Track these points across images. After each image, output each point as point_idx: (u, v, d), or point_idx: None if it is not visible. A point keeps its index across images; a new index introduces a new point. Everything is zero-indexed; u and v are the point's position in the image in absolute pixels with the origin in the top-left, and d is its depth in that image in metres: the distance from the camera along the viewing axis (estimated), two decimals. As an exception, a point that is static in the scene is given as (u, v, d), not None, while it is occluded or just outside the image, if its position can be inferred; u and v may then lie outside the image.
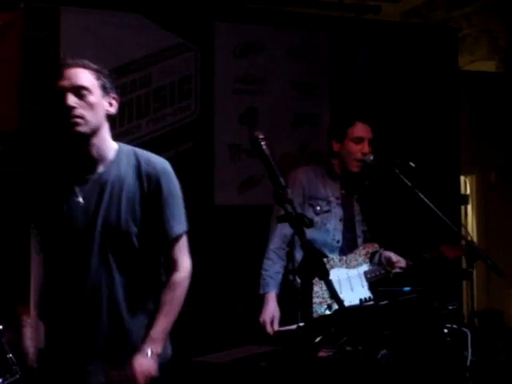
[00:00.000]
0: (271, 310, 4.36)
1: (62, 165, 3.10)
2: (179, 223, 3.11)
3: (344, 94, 6.31)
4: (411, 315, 3.50)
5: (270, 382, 2.96)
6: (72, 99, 2.93)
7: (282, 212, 2.72)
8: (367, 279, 4.54)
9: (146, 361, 2.96)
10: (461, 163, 6.83)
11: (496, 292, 7.09)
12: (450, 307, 3.73)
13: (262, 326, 4.33)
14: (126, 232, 3.00)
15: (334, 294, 2.65)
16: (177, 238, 3.11)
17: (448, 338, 3.62)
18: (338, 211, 4.54)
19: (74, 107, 2.92)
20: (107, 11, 5.59)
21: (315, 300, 4.21)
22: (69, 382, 2.99)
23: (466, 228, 7.20)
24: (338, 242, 4.51)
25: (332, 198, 4.53)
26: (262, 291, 4.40)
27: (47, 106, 3.07)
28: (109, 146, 3.06)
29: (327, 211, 4.51)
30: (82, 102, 2.94)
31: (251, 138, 2.83)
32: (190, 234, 3.17)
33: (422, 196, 4.13)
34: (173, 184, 3.10)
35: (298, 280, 4.16)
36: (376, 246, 4.61)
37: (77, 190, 3.02)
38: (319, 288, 4.21)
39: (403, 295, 3.62)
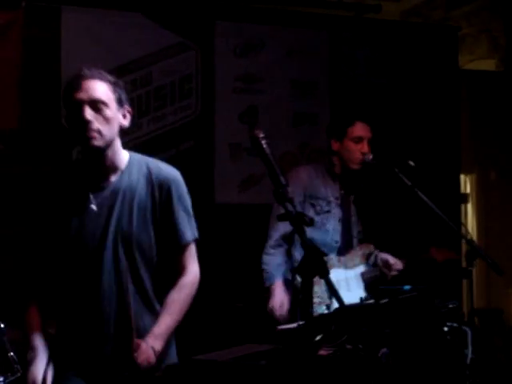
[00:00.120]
0: (279, 296, 4.36)
1: (76, 173, 3.12)
2: (190, 230, 3.14)
3: (344, 93, 6.32)
4: (411, 313, 3.51)
5: (270, 381, 2.96)
6: (89, 113, 2.93)
7: (282, 210, 2.72)
8: (364, 280, 4.56)
9: (146, 349, 2.97)
10: (461, 162, 6.84)
11: (496, 290, 7.10)
12: (450, 306, 3.74)
13: (270, 315, 4.33)
14: (138, 240, 3.03)
15: (334, 293, 2.66)
16: (187, 245, 3.15)
17: (448, 337, 3.62)
18: (337, 212, 4.55)
19: (91, 121, 2.93)
20: (108, 11, 5.60)
21: (315, 300, 4.22)
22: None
23: (465, 227, 7.20)
24: (336, 242, 4.53)
25: (332, 199, 4.54)
26: (267, 284, 4.41)
27: (65, 117, 3.07)
28: (121, 155, 3.08)
29: (327, 211, 4.52)
30: (98, 116, 2.94)
31: (251, 137, 2.83)
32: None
33: (421, 195, 4.14)
34: (183, 192, 3.13)
35: (298, 279, 4.17)
36: (371, 246, 4.62)
37: (91, 197, 3.04)
38: (319, 288, 4.22)
39: (403, 293, 3.63)
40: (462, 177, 7.23)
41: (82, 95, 2.94)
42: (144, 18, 5.69)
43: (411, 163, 4.27)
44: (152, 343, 2.99)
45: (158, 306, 3.10)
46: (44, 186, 3.18)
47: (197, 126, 5.89)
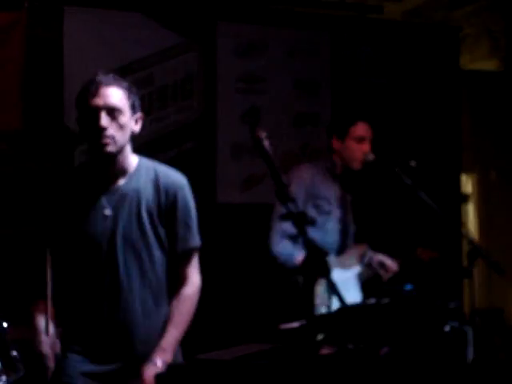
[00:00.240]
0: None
1: (83, 174, 3.14)
2: (193, 237, 3.16)
3: (346, 94, 6.33)
4: (413, 313, 3.52)
5: (271, 380, 2.97)
6: (105, 119, 2.96)
7: (284, 210, 2.74)
8: (360, 280, 4.57)
9: (156, 370, 3.00)
10: (462, 162, 6.85)
11: (497, 290, 7.10)
12: (452, 305, 3.75)
13: None
14: (146, 243, 3.05)
15: (336, 292, 2.67)
16: (190, 252, 3.17)
17: (449, 336, 3.63)
18: (337, 212, 4.56)
19: (106, 128, 2.95)
20: (111, 11, 5.61)
21: (316, 301, 4.23)
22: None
23: (466, 227, 7.22)
24: (335, 242, 4.53)
25: (332, 198, 4.55)
26: (290, 264, 4.36)
27: (77, 119, 3.09)
28: (130, 160, 3.11)
29: (328, 212, 4.52)
30: (113, 123, 2.97)
31: (253, 137, 2.85)
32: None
33: (422, 195, 4.15)
34: (189, 199, 3.15)
35: (300, 280, 4.19)
36: (365, 247, 4.63)
37: (101, 199, 3.06)
38: (320, 289, 4.23)
39: (405, 293, 3.64)
40: (463, 177, 7.23)
41: (99, 101, 2.97)
42: (146, 18, 5.70)
43: (412, 163, 4.28)
44: (161, 357, 3.04)
45: (163, 309, 3.13)
46: (53, 187, 3.20)
47: (199, 126, 5.91)
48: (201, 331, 5.18)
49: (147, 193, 3.08)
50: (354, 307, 3.47)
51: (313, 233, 4.27)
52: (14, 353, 3.21)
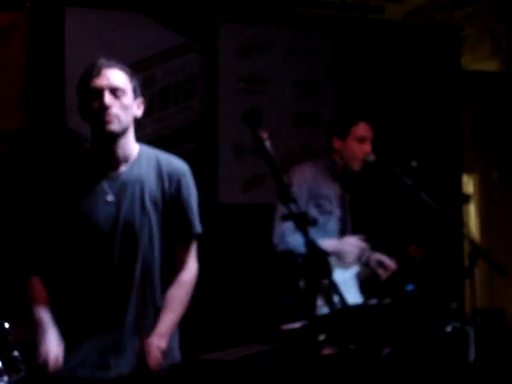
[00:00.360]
0: None
1: (86, 161, 3.12)
2: (195, 223, 3.17)
3: (347, 94, 6.33)
4: (414, 313, 3.52)
5: (273, 380, 2.98)
6: (108, 98, 2.97)
7: (285, 210, 2.74)
8: (359, 280, 4.58)
9: (155, 351, 2.98)
10: (463, 162, 6.85)
11: (498, 291, 7.10)
12: (453, 306, 3.75)
13: None
14: (148, 231, 3.05)
15: (337, 293, 2.67)
16: (191, 238, 3.16)
17: (451, 337, 3.64)
18: (337, 212, 4.56)
19: (110, 106, 2.96)
20: (112, 11, 5.61)
21: (318, 302, 4.23)
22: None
23: (467, 227, 7.22)
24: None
25: (333, 199, 4.55)
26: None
27: (78, 107, 3.08)
28: (132, 146, 3.11)
29: (330, 212, 4.53)
30: (117, 102, 2.98)
31: (255, 138, 2.85)
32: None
33: (423, 195, 4.15)
34: (191, 185, 3.17)
35: (301, 281, 4.19)
36: (363, 239, 4.63)
37: (103, 185, 3.05)
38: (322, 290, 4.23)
39: (406, 294, 3.64)
40: (465, 177, 7.24)
41: (102, 82, 2.98)
42: (148, 18, 5.70)
43: (413, 163, 4.29)
44: (157, 342, 2.99)
45: (159, 297, 3.11)
46: (53, 172, 3.18)
47: (200, 127, 5.91)
48: (203, 331, 5.20)
49: (150, 180, 3.08)
50: (356, 308, 3.48)
51: (313, 233, 4.32)
52: (16, 353, 3.21)
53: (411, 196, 4.19)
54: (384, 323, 3.37)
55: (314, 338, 3.08)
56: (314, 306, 4.13)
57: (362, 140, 4.52)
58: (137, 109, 3.10)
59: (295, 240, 4.32)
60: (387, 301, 3.48)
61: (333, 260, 4.45)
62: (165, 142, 5.69)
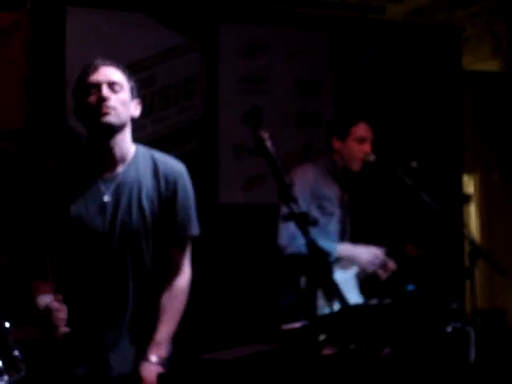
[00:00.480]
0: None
1: (82, 162, 3.12)
2: (193, 225, 3.16)
3: (348, 94, 6.33)
4: (415, 314, 3.52)
5: (274, 380, 2.98)
6: (106, 90, 2.97)
7: (286, 211, 2.74)
8: (358, 280, 4.58)
9: (153, 367, 2.99)
10: (464, 162, 6.85)
11: (499, 291, 7.11)
12: (453, 306, 3.75)
13: None
14: (145, 233, 3.04)
15: (338, 293, 2.67)
16: (187, 240, 3.15)
17: (451, 337, 3.64)
18: (338, 213, 4.57)
19: (108, 98, 2.96)
20: (113, 11, 5.61)
21: (318, 303, 4.23)
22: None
23: (468, 227, 7.22)
24: (336, 243, 4.53)
25: (334, 199, 4.55)
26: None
27: (74, 108, 3.09)
28: (129, 146, 3.10)
29: (331, 213, 4.53)
30: (115, 96, 2.99)
31: (256, 138, 2.85)
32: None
33: (423, 196, 4.15)
34: (188, 187, 3.15)
35: (302, 280, 4.19)
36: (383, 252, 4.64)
37: (100, 186, 3.04)
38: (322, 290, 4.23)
39: (407, 294, 3.64)
40: (465, 177, 7.24)
41: (99, 77, 3.00)
42: (148, 18, 5.70)
43: (414, 164, 4.29)
44: (157, 352, 3.02)
45: (155, 300, 3.10)
46: (50, 173, 3.20)
47: (201, 127, 5.90)
48: (203, 331, 5.20)
49: (147, 181, 3.07)
50: (356, 308, 3.48)
51: (314, 234, 4.32)
52: (16, 353, 3.21)
53: (411, 196, 4.19)
54: (384, 323, 3.37)
55: (314, 338, 3.08)
56: (314, 306, 4.13)
57: (361, 140, 4.52)
58: (134, 109, 3.10)
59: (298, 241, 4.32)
60: (387, 301, 3.49)
61: (334, 260, 4.46)
62: (165, 142, 5.70)
